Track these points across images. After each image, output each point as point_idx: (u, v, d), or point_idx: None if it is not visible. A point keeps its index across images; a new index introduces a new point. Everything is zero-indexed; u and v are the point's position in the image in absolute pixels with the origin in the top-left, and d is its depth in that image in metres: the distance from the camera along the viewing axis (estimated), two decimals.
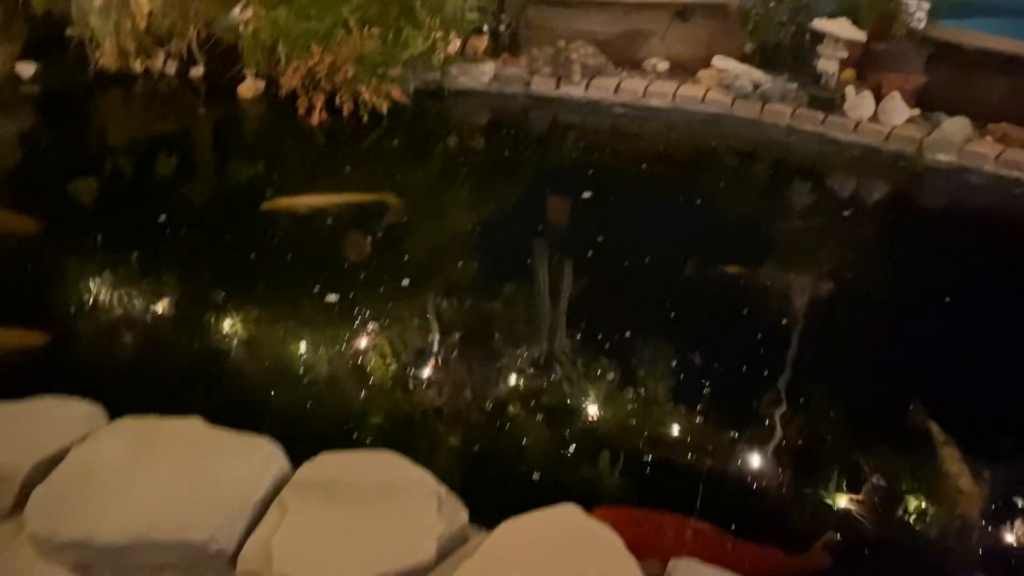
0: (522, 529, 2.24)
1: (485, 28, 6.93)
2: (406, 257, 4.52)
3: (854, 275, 4.66)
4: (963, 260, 4.96)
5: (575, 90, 6.84)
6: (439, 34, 6.40)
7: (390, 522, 2.21)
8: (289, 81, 6.06)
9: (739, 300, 4.27)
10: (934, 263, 4.90)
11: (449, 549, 2.22)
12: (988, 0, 6.96)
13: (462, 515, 2.31)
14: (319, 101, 6.02)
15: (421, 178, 5.67)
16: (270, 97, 6.42)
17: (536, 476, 3.06)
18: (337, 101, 6.09)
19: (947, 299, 4.39)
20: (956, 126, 5.85)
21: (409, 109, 6.40)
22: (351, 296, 4.06)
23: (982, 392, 3.70)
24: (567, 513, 2.31)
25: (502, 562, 2.13)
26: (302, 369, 3.56)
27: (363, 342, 3.78)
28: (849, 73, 6.56)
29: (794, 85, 6.48)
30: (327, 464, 2.38)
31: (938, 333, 4.11)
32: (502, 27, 7.16)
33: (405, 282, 4.23)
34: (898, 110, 6.06)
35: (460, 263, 4.56)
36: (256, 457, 2.37)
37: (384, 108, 6.11)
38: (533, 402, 3.45)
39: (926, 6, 6.30)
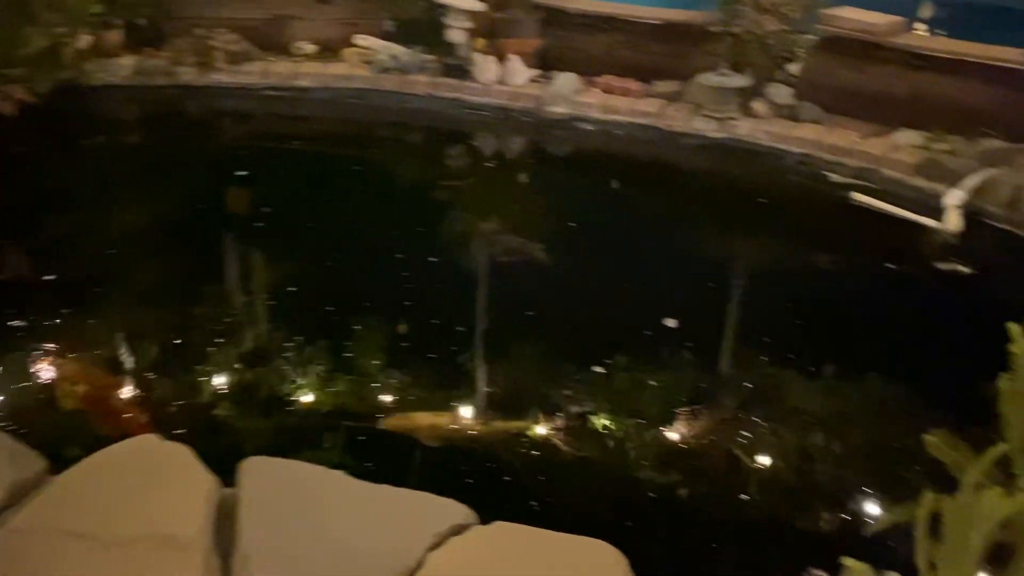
0: (99, 461, 2.40)
1: (119, 22, 6.77)
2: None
3: (504, 215, 5.30)
4: (583, 192, 5.80)
5: (223, 77, 6.88)
6: (62, 30, 6.17)
7: None
8: None
9: (396, 247, 4.71)
10: (564, 197, 5.70)
11: (22, 493, 2.32)
12: None
13: (37, 464, 2.41)
14: None
15: (54, 180, 5.49)
16: None
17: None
18: None
19: (572, 224, 5.16)
20: (566, 81, 6.63)
21: (43, 109, 6.13)
22: None
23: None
24: (145, 441, 2.50)
25: (74, 488, 2.28)
26: None
27: None
28: (481, 42, 7.16)
29: (430, 56, 6.98)
30: None
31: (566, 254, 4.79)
32: (141, 20, 7.02)
33: None
34: (519, 71, 6.74)
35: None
36: None
37: (8, 110, 5.80)
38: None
39: None
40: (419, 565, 2.13)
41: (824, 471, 3.26)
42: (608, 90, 6.70)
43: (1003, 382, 2.17)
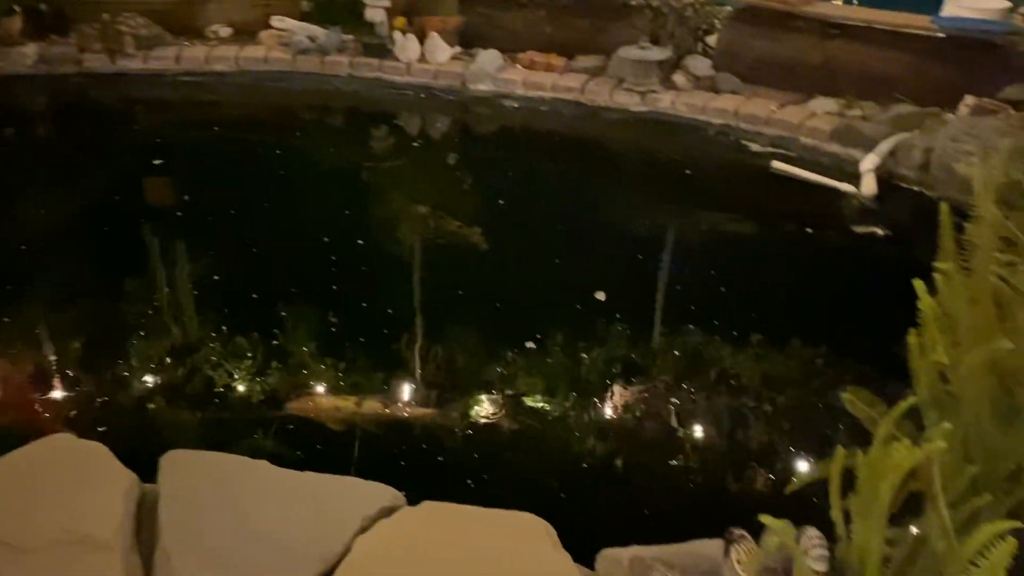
0: (11, 462, 2.32)
1: (17, 8, 6.49)
2: None
3: (432, 195, 5.23)
4: (511, 170, 5.78)
5: (133, 63, 6.66)
6: None
7: None
8: None
9: (322, 232, 4.63)
10: (491, 175, 5.68)
11: None
12: None
13: None
14: None
15: None
16: None
17: None
18: None
19: (500, 202, 5.17)
20: (488, 58, 6.58)
21: None
22: None
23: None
24: (59, 440, 2.42)
25: None
26: None
27: None
28: (401, 21, 7.05)
29: (349, 36, 6.85)
30: None
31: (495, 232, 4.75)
32: (42, 5, 6.74)
33: None
34: (440, 49, 6.67)
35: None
36: None
37: None
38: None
39: None
40: (347, 550, 2.11)
41: (750, 433, 3.33)
42: (531, 66, 6.67)
43: (911, 337, 2.24)
